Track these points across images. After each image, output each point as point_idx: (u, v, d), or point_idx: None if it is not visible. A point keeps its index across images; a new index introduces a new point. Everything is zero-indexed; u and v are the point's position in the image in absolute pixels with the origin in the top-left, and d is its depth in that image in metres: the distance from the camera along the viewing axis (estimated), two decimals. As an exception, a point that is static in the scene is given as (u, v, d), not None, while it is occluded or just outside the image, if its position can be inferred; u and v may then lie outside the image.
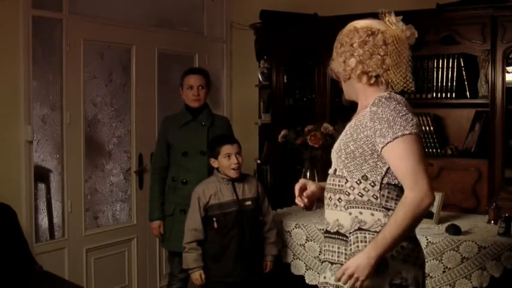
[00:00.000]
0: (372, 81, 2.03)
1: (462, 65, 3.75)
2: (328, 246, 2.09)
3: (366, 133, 1.97)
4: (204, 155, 3.48)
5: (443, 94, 3.81)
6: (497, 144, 3.55)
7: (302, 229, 3.38)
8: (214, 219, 3.18)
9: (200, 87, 3.55)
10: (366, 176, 1.99)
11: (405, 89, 2.02)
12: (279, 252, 3.39)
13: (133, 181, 4.39)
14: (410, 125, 1.91)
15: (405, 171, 1.90)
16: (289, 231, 3.42)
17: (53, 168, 3.92)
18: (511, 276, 2.85)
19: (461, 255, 2.93)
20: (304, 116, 4.25)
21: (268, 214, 3.36)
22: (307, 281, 3.37)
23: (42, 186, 3.88)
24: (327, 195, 2.12)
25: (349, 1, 4.32)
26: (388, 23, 2.03)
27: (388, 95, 1.97)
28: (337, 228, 2.06)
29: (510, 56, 3.57)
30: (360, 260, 1.89)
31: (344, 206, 2.03)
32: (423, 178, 1.88)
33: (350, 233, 2.01)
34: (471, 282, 2.89)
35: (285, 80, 4.48)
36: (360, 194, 2.00)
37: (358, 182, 2.00)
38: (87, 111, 4.08)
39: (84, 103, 4.01)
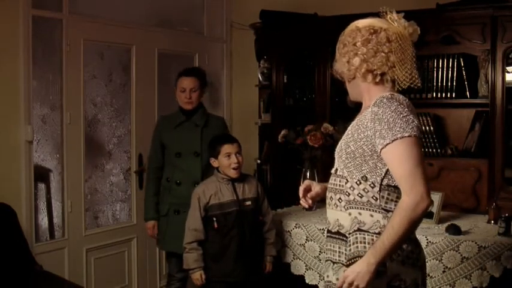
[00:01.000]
0: (377, 80, 2.01)
1: (462, 65, 3.75)
2: (330, 245, 2.09)
3: (366, 133, 1.96)
4: (198, 156, 3.47)
5: (443, 94, 3.81)
6: (497, 144, 3.55)
7: (302, 229, 3.38)
8: (215, 219, 3.18)
9: (193, 90, 3.51)
10: (366, 177, 1.98)
11: (412, 86, 1.99)
12: (278, 253, 3.39)
13: (133, 181, 4.39)
14: (410, 127, 1.89)
15: (402, 174, 1.89)
16: (289, 231, 3.42)
17: (53, 168, 3.92)
18: (511, 276, 2.85)
19: (461, 255, 2.92)
20: (304, 116, 4.25)
21: (267, 214, 3.36)
22: (307, 281, 3.37)
23: (42, 186, 3.88)
24: (328, 194, 2.12)
25: (349, 1, 4.31)
26: (390, 20, 2.02)
27: (390, 96, 1.96)
28: (337, 228, 2.06)
29: (510, 56, 3.57)
30: (360, 267, 1.88)
31: (344, 206, 2.03)
32: (420, 182, 1.86)
33: (349, 233, 2.01)
34: (471, 282, 2.89)
35: (285, 80, 4.47)
36: (359, 195, 1.99)
37: (358, 182, 1.99)
38: (87, 111, 4.08)
39: (84, 103, 4.01)
